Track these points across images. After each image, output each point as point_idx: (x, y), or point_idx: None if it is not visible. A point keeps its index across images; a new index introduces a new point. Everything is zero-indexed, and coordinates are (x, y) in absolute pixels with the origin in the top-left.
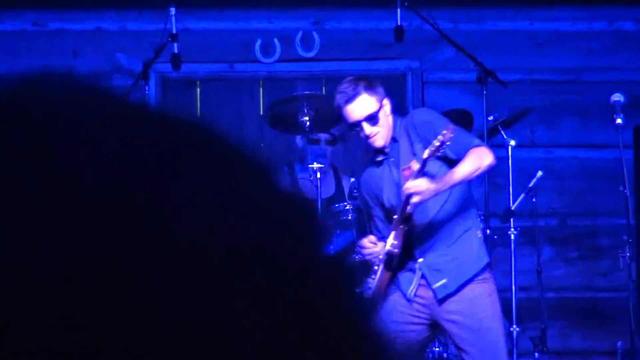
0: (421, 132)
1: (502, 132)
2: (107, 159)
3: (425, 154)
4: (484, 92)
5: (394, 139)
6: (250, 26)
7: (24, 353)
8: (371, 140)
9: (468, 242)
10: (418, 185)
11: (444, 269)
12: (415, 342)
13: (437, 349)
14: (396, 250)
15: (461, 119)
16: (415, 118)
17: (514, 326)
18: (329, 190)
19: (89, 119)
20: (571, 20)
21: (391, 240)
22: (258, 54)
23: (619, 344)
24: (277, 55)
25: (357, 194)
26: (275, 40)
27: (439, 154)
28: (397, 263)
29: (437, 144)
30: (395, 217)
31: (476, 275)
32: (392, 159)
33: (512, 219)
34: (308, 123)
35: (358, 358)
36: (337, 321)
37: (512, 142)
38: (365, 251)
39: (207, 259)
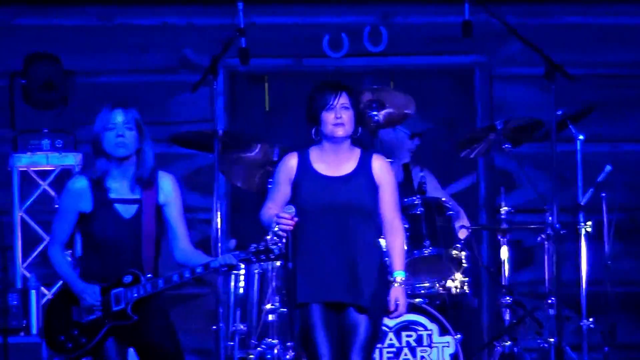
0: None
1: (570, 126)
2: None
3: None
4: (552, 86)
5: None
6: (317, 20)
7: None
8: None
9: None
10: None
11: None
12: None
13: (507, 343)
14: None
15: (532, 127)
16: None
17: (584, 320)
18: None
19: None
20: (639, 14)
21: None
22: (326, 49)
23: None
24: (344, 50)
25: (425, 188)
26: (343, 35)
27: None
28: None
29: None
30: None
31: None
32: None
33: (581, 213)
34: (376, 117)
35: None
36: None
37: (581, 137)
38: None
39: None
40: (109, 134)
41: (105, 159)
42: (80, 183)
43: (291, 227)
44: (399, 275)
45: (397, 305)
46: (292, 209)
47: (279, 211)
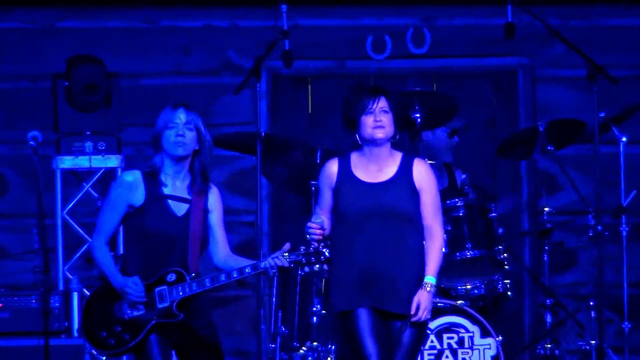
0: None
1: (613, 128)
2: None
3: None
4: (595, 88)
5: None
6: (360, 22)
7: None
8: None
9: None
10: None
11: None
12: None
13: (548, 345)
14: None
15: (574, 129)
16: None
17: (626, 322)
18: (441, 184)
19: None
20: None
21: None
22: (369, 51)
23: None
24: (387, 52)
25: (467, 190)
26: (386, 37)
27: None
28: None
29: None
30: None
31: None
32: None
33: (623, 216)
34: (419, 119)
35: None
36: None
37: (624, 139)
38: None
39: None
40: (169, 133)
41: (162, 156)
42: (134, 176)
43: (320, 237)
44: (429, 281)
45: (417, 309)
46: (321, 219)
47: (310, 220)
